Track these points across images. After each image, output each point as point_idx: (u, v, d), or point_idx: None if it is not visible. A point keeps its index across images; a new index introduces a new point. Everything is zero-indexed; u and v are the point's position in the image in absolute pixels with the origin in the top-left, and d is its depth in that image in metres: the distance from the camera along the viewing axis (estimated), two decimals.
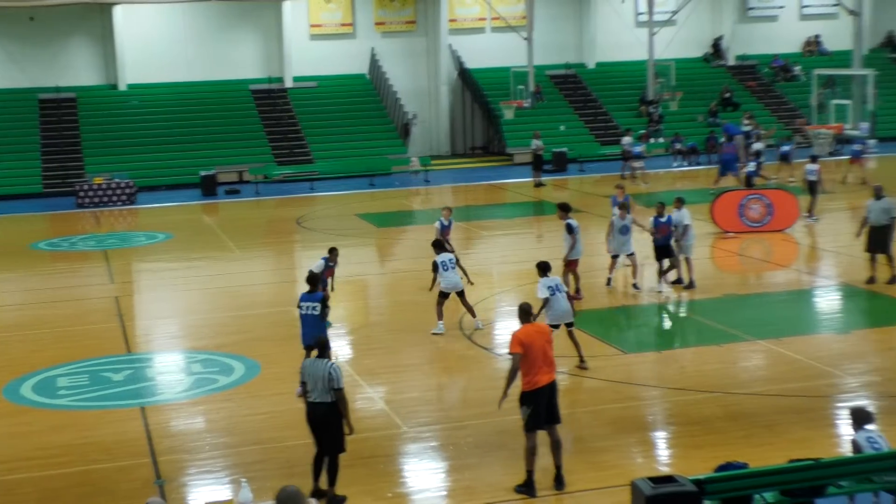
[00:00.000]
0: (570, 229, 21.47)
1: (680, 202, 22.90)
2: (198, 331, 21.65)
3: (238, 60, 50.43)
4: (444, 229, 23.78)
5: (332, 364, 12.56)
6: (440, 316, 19.92)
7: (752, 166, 34.52)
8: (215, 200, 41.64)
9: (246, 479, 12.59)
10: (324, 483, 12.80)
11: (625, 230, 22.64)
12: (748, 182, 34.30)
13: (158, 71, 49.20)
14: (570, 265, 21.72)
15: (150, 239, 32.83)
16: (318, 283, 17.02)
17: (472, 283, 20.90)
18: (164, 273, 27.90)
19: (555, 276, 17.52)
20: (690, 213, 23.07)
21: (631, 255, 22.72)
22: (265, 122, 48.94)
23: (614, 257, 22.92)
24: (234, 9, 50.15)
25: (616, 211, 23.24)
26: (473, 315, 20.20)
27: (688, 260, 22.81)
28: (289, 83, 50.64)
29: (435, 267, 20.16)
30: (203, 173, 42.86)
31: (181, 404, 16.85)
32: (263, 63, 50.85)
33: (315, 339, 13.29)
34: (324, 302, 16.58)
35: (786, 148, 39.53)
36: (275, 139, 48.11)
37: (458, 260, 20.37)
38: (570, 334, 17.42)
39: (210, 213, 39.20)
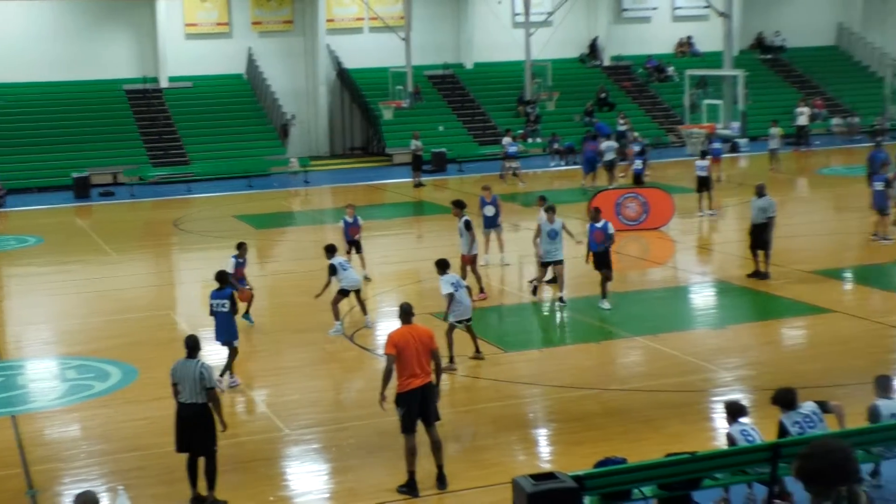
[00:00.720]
0: (467, 226, 21.76)
1: (543, 201, 23.41)
2: (72, 336, 21.18)
3: (111, 60, 49.46)
4: (349, 227, 23.76)
5: (203, 364, 12.47)
6: (338, 316, 19.91)
7: (638, 164, 34.99)
8: (89, 203, 40.81)
9: (123, 486, 12.40)
10: (203, 489, 12.62)
11: (553, 234, 21.23)
12: (637, 180, 34.71)
13: (26, 70, 47.96)
14: (470, 262, 21.94)
15: (21, 243, 32.01)
16: (227, 279, 17.20)
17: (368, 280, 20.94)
18: (36, 277, 27.25)
19: (454, 273, 17.67)
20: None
21: (559, 263, 21.33)
22: (140, 123, 48.11)
23: (544, 264, 21.50)
24: (105, 7, 49.19)
25: (543, 215, 21.48)
26: (365, 312, 20.24)
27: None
28: (164, 83, 49.88)
29: (333, 270, 20.02)
30: (75, 175, 41.98)
31: (55, 412, 16.47)
32: (137, 62, 49.98)
33: (191, 337, 13.04)
34: (233, 298, 16.79)
35: (637, 146, 40.82)
36: (150, 140, 47.33)
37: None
38: (468, 328, 17.65)
39: (84, 215, 38.40)
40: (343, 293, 20.02)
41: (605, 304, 20.74)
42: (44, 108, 47.54)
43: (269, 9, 51.67)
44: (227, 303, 16.75)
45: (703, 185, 31.83)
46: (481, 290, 22.06)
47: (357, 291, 20.21)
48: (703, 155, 33.26)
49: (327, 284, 20.29)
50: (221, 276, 17.16)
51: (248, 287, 20.35)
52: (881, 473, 12.20)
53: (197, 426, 12.45)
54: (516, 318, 21.72)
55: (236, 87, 51.07)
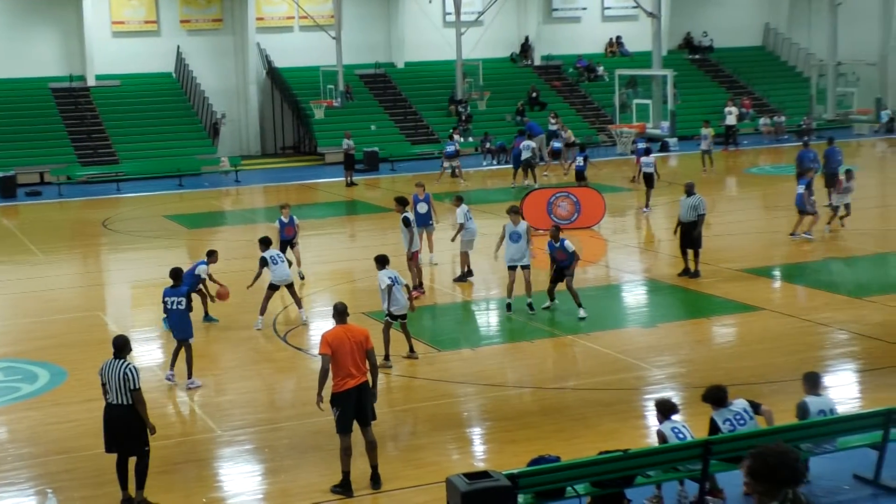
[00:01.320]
0: (406, 222, 21.92)
1: (459, 200, 24.04)
2: None
3: (37, 57, 48.75)
4: (285, 227, 23.67)
5: (129, 365, 12.33)
6: (263, 311, 19.90)
7: (580, 161, 35.14)
8: (15, 202, 40.21)
9: (52, 489, 12.23)
10: (133, 490, 12.48)
11: (516, 237, 20.60)
12: (579, 177, 34.83)
13: None
14: (409, 258, 22.01)
15: None
16: (181, 277, 17.18)
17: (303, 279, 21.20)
18: None
19: (393, 269, 17.72)
20: (468, 210, 24.00)
21: (526, 268, 20.72)
22: (67, 122, 47.49)
23: (510, 268, 20.75)
24: (31, 4, 48.51)
25: (511, 217, 21.00)
26: (300, 307, 20.28)
27: (466, 254, 23.68)
28: (91, 81, 49.29)
29: (263, 262, 20.06)
30: (1, 174, 41.33)
31: None
32: (64, 60, 49.32)
33: (119, 338, 12.85)
34: (188, 296, 16.96)
35: (557, 145, 41.47)
36: (77, 139, 46.73)
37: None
38: (403, 326, 17.72)
39: (10, 215, 37.80)
40: (273, 288, 20.02)
41: (582, 313, 19.95)
42: None
43: (197, 7, 51.26)
44: (182, 300, 16.74)
45: (648, 181, 32.30)
46: (418, 286, 22.09)
47: (289, 286, 20.19)
48: (648, 152, 33.66)
49: (258, 276, 20.29)
50: (176, 274, 17.09)
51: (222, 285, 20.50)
52: (809, 470, 12.37)
53: (124, 427, 12.31)
54: (449, 317, 21.75)
55: (165, 86, 50.60)
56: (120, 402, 12.27)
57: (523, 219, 21.34)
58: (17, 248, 30.27)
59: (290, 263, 21.07)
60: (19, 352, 19.37)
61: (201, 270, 20.09)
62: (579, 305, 20.02)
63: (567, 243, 20.22)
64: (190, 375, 16.83)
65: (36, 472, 13.79)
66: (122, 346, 12.60)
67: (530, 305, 20.54)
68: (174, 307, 16.74)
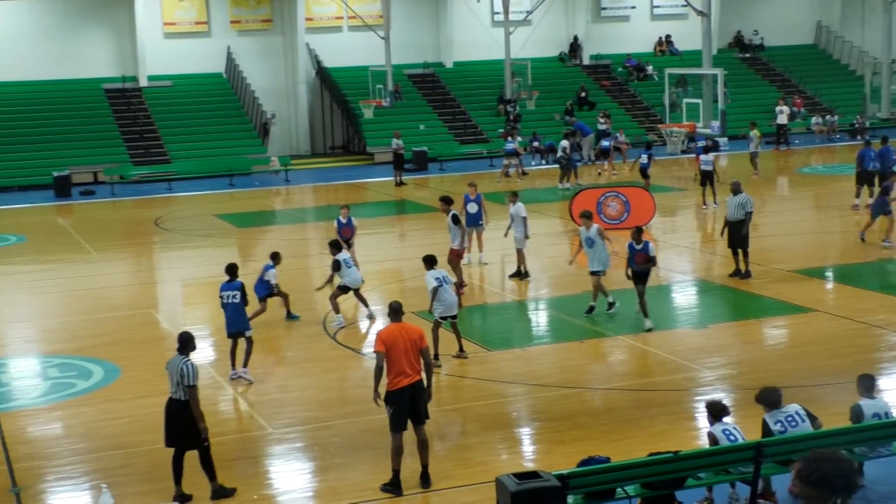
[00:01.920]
0: (455, 220, 22.09)
1: (514, 196, 24.00)
2: (54, 334, 21.12)
3: (90, 59, 49.31)
4: (342, 227, 23.80)
5: (187, 361, 12.49)
6: (337, 309, 20.21)
7: (644, 158, 34.99)
8: (70, 202, 40.69)
9: (107, 484, 12.38)
10: (186, 487, 12.63)
11: (589, 242, 20.25)
12: (643, 174, 34.66)
13: (6, 69, 47.78)
14: (457, 256, 22.17)
15: (2, 241, 31.89)
16: (236, 272, 17.31)
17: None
18: (18, 276, 27.15)
19: (441, 269, 17.85)
20: (525, 207, 24.03)
21: (596, 274, 20.21)
22: (119, 122, 47.97)
23: (593, 273, 20.31)
24: (84, 6, 49.05)
25: (582, 222, 20.92)
26: (367, 306, 20.61)
27: (521, 252, 23.61)
28: (143, 82, 49.75)
29: (337, 266, 20.34)
30: (56, 174, 41.82)
31: (37, 410, 16.43)
32: (117, 62, 49.82)
33: (184, 334, 13.02)
34: (243, 290, 16.95)
35: (605, 143, 41.26)
36: (130, 139, 47.19)
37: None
38: (453, 325, 17.76)
39: (64, 214, 38.27)
40: (343, 290, 20.33)
41: (649, 324, 19.20)
42: (24, 107, 47.36)
43: (247, 7, 51.58)
44: (237, 294, 16.89)
45: (707, 178, 32.10)
46: (461, 284, 22.13)
47: (356, 289, 20.41)
48: (707, 150, 33.52)
49: (330, 279, 20.62)
50: (231, 269, 17.29)
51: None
52: (864, 474, 12.26)
53: (180, 422, 12.47)
54: (500, 317, 21.74)
55: (216, 86, 50.97)
56: (178, 396, 12.48)
57: (594, 222, 20.79)
58: (71, 247, 30.62)
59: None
60: (74, 349, 19.61)
61: (271, 276, 20.34)
62: (646, 316, 19.33)
63: (651, 246, 19.35)
64: (245, 365, 17.07)
65: (91, 467, 13.97)
66: (185, 343, 12.80)
67: (610, 305, 20.30)
68: (229, 301, 16.94)
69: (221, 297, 17.05)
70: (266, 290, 20.27)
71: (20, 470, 13.87)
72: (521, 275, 23.67)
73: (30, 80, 48.27)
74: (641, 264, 19.23)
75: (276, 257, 20.73)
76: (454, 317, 17.72)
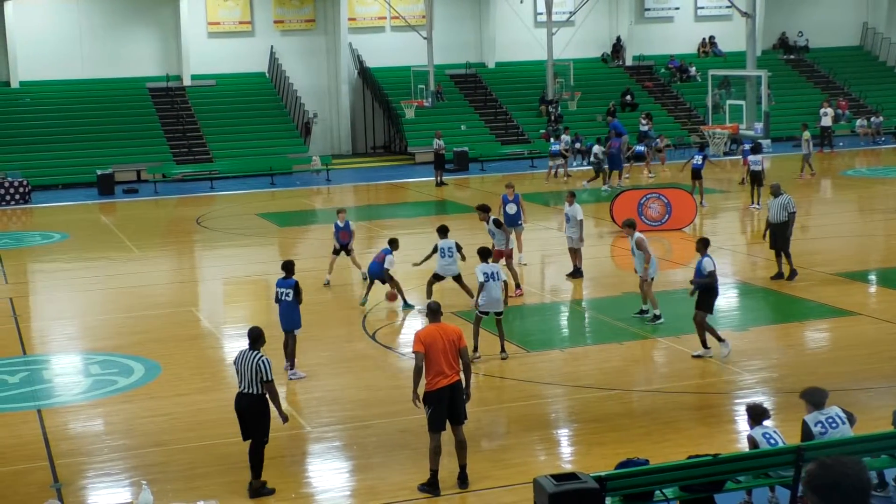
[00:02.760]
0: (497, 224, 22.33)
1: (572, 196, 23.98)
2: (96, 332, 21.30)
3: (134, 58, 49.71)
4: (339, 231, 23.37)
5: (262, 357, 12.67)
6: (430, 294, 20.47)
7: (698, 159, 34.78)
8: (113, 200, 41.02)
9: (146, 481, 12.46)
10: (266, 477, 12.88)
11: (633, 250, 19.89)
12: (696, 175, 34.46)
13: (52, 68, 48.31)
14: (507, 257, 22.33)
15: (46, 239, 32.21)
16: (292, 269, 17.54)
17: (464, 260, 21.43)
18: (61, 273, 27.39)
19: (494, 264, 18.13)
20: (582, 209, 24.09)
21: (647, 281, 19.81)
22: (163, 121, 48.32)
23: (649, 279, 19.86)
24: (130, 5, 49.46)
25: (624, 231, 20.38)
26: (472, 296, 20.35)
27: (577, 251, 23.72)
28: (187, 81, 50.09)
29: (436, 249, 20.98)
30: (100, 172, 42.19)
31: (79, 406, 16.56)
32: (161, 61, 50.20)
33: (254, 329, 13.14)
34: (297, 288, 17.17)
35: (639, 149, 41.06)
36: (173, 138, 47.53)
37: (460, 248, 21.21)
38: (498, 323, 17.84)
39: (107, 212, 38.59)
40: (437, 277, 20.85)
41: (703, 352, 17.53)
42: (68, 105, 47.83)
43: (291, 7, 51.81)
44: (290, 292, 17.10)
45: (755, 179, 31.95)
46: (517, 287, 22.18)
47: (456, 277, 20.93)
48: (755, 150, 33.35)
49: (428, 257, 21.19)
50: (287, 266, 17.53)
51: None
52: (874, 480, 12.12)
53: (250, 415, 12.69)
54: (539, 318, 21.70)
55: (259, 86, 51.23)
56: (249, 391, 12.64)
57: (636, 231, 19.93)
58: (114, 245, 30.87)
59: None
60: (116, 346, 19.75)
61: (389, 262, 20.95)
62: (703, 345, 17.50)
63: (705, 262, 17.30)
64: (292, 366, 17.26)
65: (131, 464, 14.06)
66: (256, 338, 12.94)
67: (656, 316, 19.65)
68: (283, 298, 17.15)
69: (277, 293, 17.35)
70: (380, 272, 20.93)
71: (62, 466, 14.00)
72: (578, 273, 23.79)
73: (75, 78, 48.76)
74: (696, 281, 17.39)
75: (394, 243, 21.34)
76: (499, 313, 17.73)
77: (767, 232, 23.14)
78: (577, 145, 47.01)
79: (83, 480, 13.64)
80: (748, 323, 20.39)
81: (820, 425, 11.54)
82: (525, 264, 25.18)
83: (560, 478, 10.46)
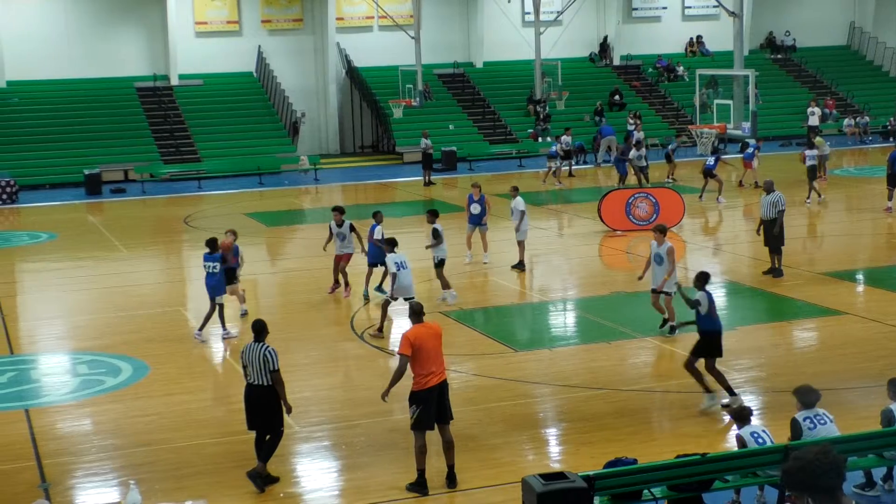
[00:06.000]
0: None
1: (515, 190, 24.73)
2: (84, 331, 21.24)
3: (122, 57, 49.59)
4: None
5: (268, 347, 12.90)
6: (447, 284, 21.52)
7: (710, 160, 34.80)
8: (100, 199, 40.92)
9: (135, 480, 12.44)
10: (272, 468, 12.99)
11: (658, 259, 18.57)
12: (707, 174, 34.42)
13: (39, 67, 48.16)
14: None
15: (34, 238, 32.13)
16: (216, 245, 19.64)
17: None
18: (49, 273, 27.32)
19: (402, 254, 19.19)
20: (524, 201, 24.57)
21: (667, 294, 18.59)
22: (151, 120, 48.22)
23: (653, 292, 18.95)
24: (117, 5, 49.36)
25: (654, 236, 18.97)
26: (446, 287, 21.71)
27: (521, 244, 24.24)
28: (174, 81, 49.99)
29: (436, 234, 21.72)
30: (87, 172, 42.10)
31: (67, 406, 16.53)
32: (148, 60, 50.09)
33: (257, 322, 13.35)
34: (222, 261, 19.61)
35: (670, 147, 40.62)
36: (161, 137, 47.44)
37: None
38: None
39: (95, 212, 38.51)
40: (442, 264, 21.60)
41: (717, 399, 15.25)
42: (56, 105, 47.71)
43: (278, 7, 51.75)
44: (217, 265, 19.41)
45: (812, 173, 32.56)
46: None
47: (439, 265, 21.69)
48: (811, 146, 33.56)
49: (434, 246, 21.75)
50: (211, 243, 19.67)
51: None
52: (895, 478, 12.17)
53: (262, 406, 12.83)
54: (527, 317, 21.72)
55: (246, 85, 51.16)
56: (259, 382, 12.81)
57: (667, 239, 18.69)
58: (102, 245, 30.80)
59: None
60: (103, 345, 19.71)
61: (378, 232, 21.67)
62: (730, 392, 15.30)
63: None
64: (223, 327, 19.47)
65: (119, 464, 14.04)
66: (260, 330, 13.16)
67: (672, 329, 18.63)
68: (210, 271, 19.39)
69: (205, 266, 19.45)
70: (378, 253, 21.19)
71: (49, 466, 13.97)
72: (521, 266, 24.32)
73: (62, 78, 48.61)
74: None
75: (377, 215, 22.14)
76: (409, 298, 18.46)
77: (761, 228, 23.24)
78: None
79: (71, 480, 13.61)
80: (735, 322, 20.38)
81: (808, 420, 11.59)
82: (486, 263, 25.15)
83: (548, 477, 10.47)
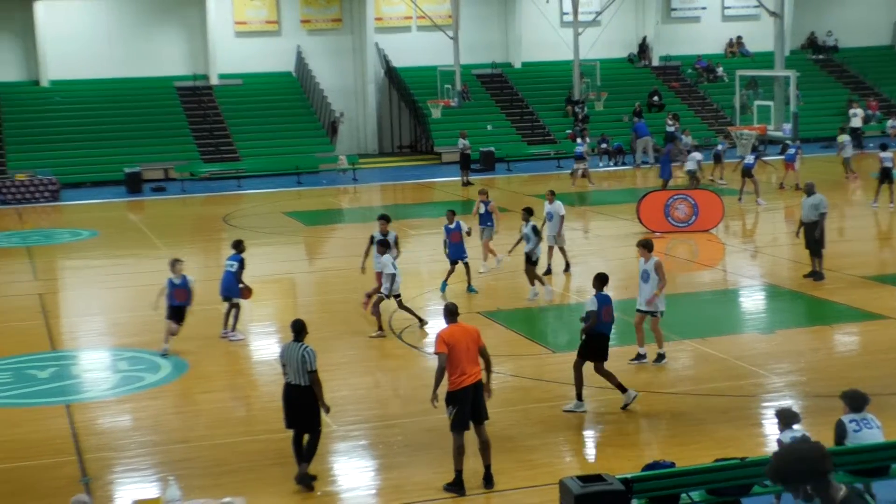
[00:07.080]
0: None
1: (552, 194, 24.30)
2: (124, 328, 21.41)
3: (162, 57, 49.89)
4: (175, 288, 19.48)
5: (307, 347, 12.95)
6: (532, 281, 21.90)
7: (750, 159, 34.60)
8: (141, 198, 41.19)
9: (174, 476, 12.52)
10: (292, 474, 12.97)
11: (645, 276, 17.59)
12: (746, 174, 34.25)
13: (81, 67, 48.53)
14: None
15: (75, 236, 32.40)
16: (242, 247, 20.28)
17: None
18: (90, 270, 27.54)
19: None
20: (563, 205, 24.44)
21: (653, 315, 17.65)
22: (190, 120, 48.48)
23: (638, 311, 17.91)
24: (158, 5, 49.67)
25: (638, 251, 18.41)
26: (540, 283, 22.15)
27: (563, 249, 24.31)
28: (214, 80, 50.23)
29: (536, 231, 21.95)
30: (128, 170, 42.39)
31: (107, 402, 16.67)
32: (188, 60, 50.37)
33: (297, 322, 13.39)
34: (242, 262, 20.01)
35: (719, 147, 40.36)
36: (201, 137, 47.69)
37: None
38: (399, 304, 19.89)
39: (135, 210, 38.77)
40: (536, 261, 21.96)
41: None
42: (97, 104, 48.06)
43: (317, 7, 51.89)
44: (235, 264, 19.87)
45: (887, 176, 32.00)
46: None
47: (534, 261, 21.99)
48: (885, 147, 33.27)
49: (517, 242, 22.46)
50: (237, 245, 20.31)
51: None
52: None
53: (300, 406, 12.90)
54: (565, 318, 21.65)
55: (285, 85, 51.33)
56: (298, 382, 12.89)
57: (651, 253, 17.73)
58: (142, 242, 31.01)
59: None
60: (143, 342, 19.84)
61: (467, 228, 22.56)
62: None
63: (589, 301, 15.54)
64: (234, 329, 19.70)
65: (158, 460, 14.14)
66: (299, 330, 13.22)
67: (660, 356, 17.62)
68: (228, 269, 19.94)
69: (225, 264, 20.11)
70: (458, 249, 22.39)
71: (90, 460, 14.09)
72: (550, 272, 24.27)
73: (103, 77, 48.96)
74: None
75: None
76: (397, 296, 19.76)
77: (801, 230, 23.05)
78: (605, 146, 46.92)
79: (111, 475, 13.73)
80: (775, 325, 20.29)
81: (854, 423, 11.46)
82: (482, 272, 24.81)
83: (586, 479, 10.43)
